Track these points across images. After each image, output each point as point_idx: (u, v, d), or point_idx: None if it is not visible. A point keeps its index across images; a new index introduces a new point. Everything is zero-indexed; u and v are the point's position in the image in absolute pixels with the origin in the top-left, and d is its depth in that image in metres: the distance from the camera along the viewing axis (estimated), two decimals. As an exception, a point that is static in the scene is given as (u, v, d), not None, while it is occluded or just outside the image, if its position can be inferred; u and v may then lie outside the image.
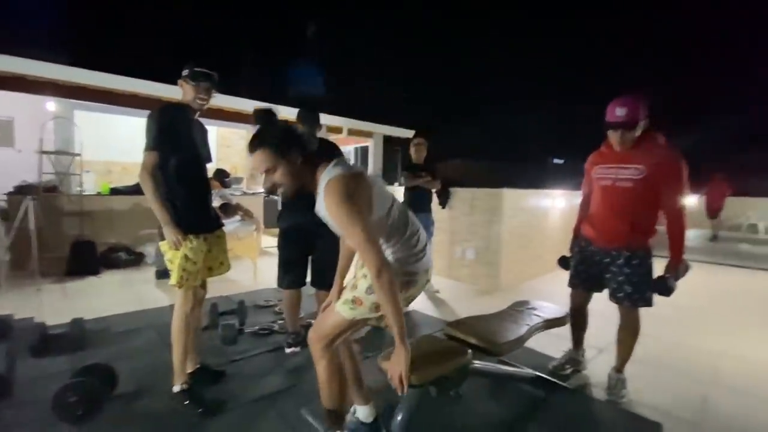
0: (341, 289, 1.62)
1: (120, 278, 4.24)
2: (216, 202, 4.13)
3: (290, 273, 2.45)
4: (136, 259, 4.77)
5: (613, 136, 1.93)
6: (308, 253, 2.44)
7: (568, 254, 2.30)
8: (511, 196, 4.20)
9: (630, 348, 2.04)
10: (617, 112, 1.86)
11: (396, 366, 1.23)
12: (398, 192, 4.37)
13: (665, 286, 1.89)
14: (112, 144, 7.27)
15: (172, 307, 3.14)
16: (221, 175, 4.21)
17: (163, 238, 1.80)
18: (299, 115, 2.52)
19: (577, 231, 2.24)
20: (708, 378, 2.27)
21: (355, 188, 1.24)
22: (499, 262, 4.11)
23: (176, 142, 1.77)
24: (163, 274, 4.09)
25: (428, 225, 4.01)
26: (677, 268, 1.89)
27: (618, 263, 1.97)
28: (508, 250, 4.17)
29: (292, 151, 1.32)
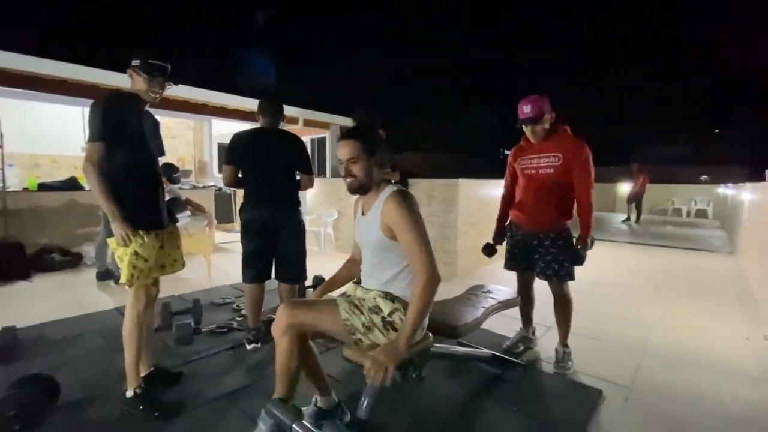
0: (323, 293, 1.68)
1: (55, 282, 3.90)
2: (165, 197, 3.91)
3: (253, 267, 2.40)
4: (72, 261, 4.40)
5: (527, 130, 2.19)
6: (272, 246, 2.40)
7: (491, 242, 2.48)
8: (466, 186, 4.35)
9: (568, 321, 2.25)
10: (524, 109, 2.12)
11: (386, 358, 1.27)
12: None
13: (578, 257, 2.15)
14: (39, 135, 6.57)
15: (118, 309, 2.98)
16: (169, 170, 3.96)
17: (111, 235, 1.69)
18: (259, 106, 2.44)
19: (503, 219, 2.45)
20: (640, 347, 2.53)
21: (416, 204, 1.45)
22: (456, 250, 4.26)
23: (124, 134, 1.66)
24: (104, 275, 3.81)
25: (387, 216, 4.05)
26: (586, 241, 2.13)
27: (545, 244, 2.19)
28: (464, 238, 4.33)
29: (377, 154, 1.48)
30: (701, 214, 11.72)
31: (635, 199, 9.64)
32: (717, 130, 23.71)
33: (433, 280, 1.34)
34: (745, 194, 5.50)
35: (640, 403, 1.90)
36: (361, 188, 1.49)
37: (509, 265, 2.38)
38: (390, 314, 1.42)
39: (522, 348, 2.41)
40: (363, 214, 1.58)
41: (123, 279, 1.70)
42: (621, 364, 2.28)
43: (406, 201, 1.41)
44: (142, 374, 1.85)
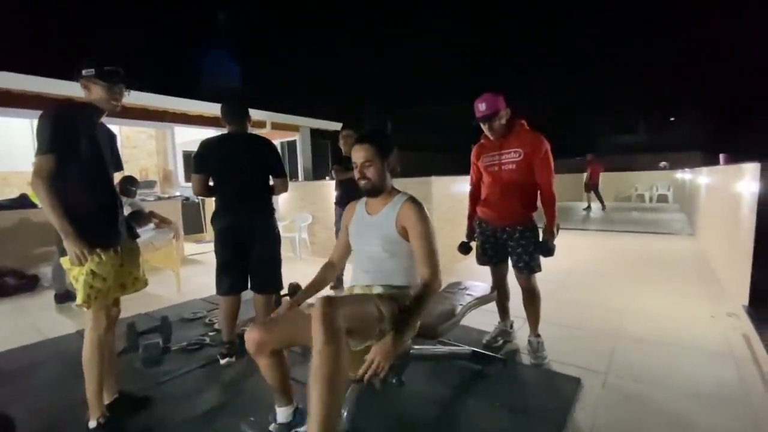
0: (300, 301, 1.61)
1: (10, 307, 3.63)
2: (125, 211, 3.71)
3: (228, 277, 2.31)
4: (28, 284, 4.11)
5: (485, 128, 2.22)
6: (246, 255, 2.32)
7: (465, 240, 2.50)
8: (439, 183, 4.37)
9: (538, 311, 2.30)
10: (480, 107, 2.16)
11: (381, 355, 1.29)
12: (329, 186, 4.31)
13: (547, 248, 2.18)
14: (-17, 151, 6.14)
15: (79, 333, 2.80)
16: (128, 183, 3.77)
17: (64, 254, 1.57)
18: (222, 111, 2.33)
19: (473, 216, 2.47)
20: (613, 332, 2.60)
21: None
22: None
23: (78, 145, 1.55)
24: (64, 297, 3.58)
25: (362, 217, 4.01)
26: (552, 232, 2.17)
27: (515, 238, 2.23)
28: (438, 234, 4.31)
29: (390, 158, 1.59)
30: (662, 199, 12.30)
31: (592, 187, 10.14)
32: (672, 119, 24.97)
33: (436, 287, 1.47)
34: (702, 178, 5.80)
35: (617, 387, 1.94)
36: (374, 190, 1.59)
37: (482, 261, 2.40)
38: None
39: (501, 342, 2.43)
40: (369, 214, 1.66)
41: (79, 300, 1.59)
42: (596, 351, 2.33)
43: (423, 210, 1.56)
44: (106, 402, 1.73)
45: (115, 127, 6.94)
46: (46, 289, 4.07)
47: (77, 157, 1.56)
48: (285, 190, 2.45)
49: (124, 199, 3.84)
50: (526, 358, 2.26)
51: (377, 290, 1.56)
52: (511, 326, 2.52)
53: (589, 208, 10.35)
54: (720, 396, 1.84)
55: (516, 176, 2.18)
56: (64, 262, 1.60)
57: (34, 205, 4.60)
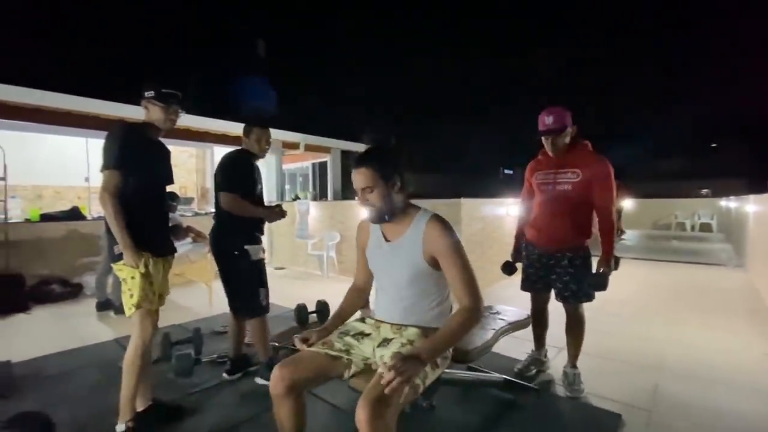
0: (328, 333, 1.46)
1: (54, 313, 3.83)
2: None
3: (227, 298, 2.40)
4: (72, 292, 4.34)
5: (546, 143, 2.10)
6: (223, 276, 2.34)
7: (510, 260, 2.39)
8: (468, 205, 4.33)
9: (580, 342, 2.16)
10: (546, 120, 2.04)
11: (410, 367, 1.11)
12: (357, 206, 4.37)
13: (601, 281, 2.01)
14: (42, 167, 6.64)
15: (117, 341, 2.90)
16: (169, 198, 3.96)
17: (116, 260, 1.69)
18: (245, 129, 2.37)
19: (520, 237, 2.36)
20: (656, 365, 2.43)
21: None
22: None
23: (138, 162, 1.70)
24: (104, 305, 3.75)
25: (390, 237, 4.02)
26: (609, 262, 2.01)
27: (562, 264, 2.10)
28: (469, 257, 4.27)
29: (394, 176, 1.36)
30: (705, 227, 11.63)
31: (617, 213, 9.83)
32: (714, 144, 23.90)
33: (479, 312, 1.30)
34: (749, 206, 5.46)
35: (662, 426, 1.80)
36: (381, 217, 1.39)
37: (525, 286, 2.29)
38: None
39: (534, 371, 2.31)
40: (386, 240, 1.46)
41: (134, 301, 1.67)
42: (638, 385, 2.18)
43: (449, 227, 1.37)
44: (140, 409, 1.78)
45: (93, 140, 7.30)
46: (88, 297, 4.28)
47: (139, 173, 1.70)
48: (226, 205, 2.13)
49: (165, 214, 4.04)
50: (561, 390, 2.14)
51: (410, 332, 1.39)
52: (545, 355, 2.40)
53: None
54: (782, 443, 1.67)
55: (570, 197, 2.03)
56: (117, 267, 1.70)
57: (83, 218, 4.90)
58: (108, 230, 1.67)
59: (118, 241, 1.64)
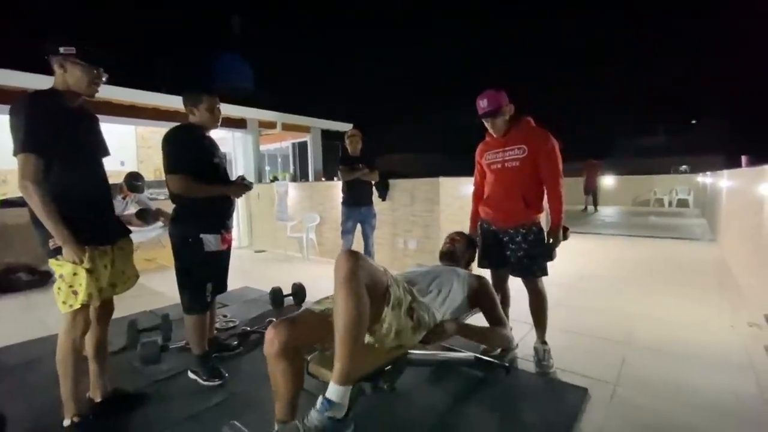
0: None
1: (20, 303, 3.70)
2: (132, 209, 3.74)
3: None
4: (40, 280, 4.19)
5: (487, 125, 2.15)
6: None
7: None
8: (447, 184, 4.28)
9: (544, 317, 2.21)
10: (481, 104, 2.08)
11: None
12: (338, 187, 4.29)
13: (548, 251, 2.09)
14: (4, 150, 6.31)
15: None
16: (133, 179, 3.80)
17: (51, 255, 1.52)
18: (190, 100, 2.08)
19: (476, 216, 2.40)
20: (625, 340, 2.48)
21: None
22: (439, 250, 4.18)
23: (58, 139, 1.45)
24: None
25: (370, 218, 3.97)
26: (557, 234, 2.07)
27: (516, 240, 2.13)
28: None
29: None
30: (682, 203, 11.89)
31: (590, 190, 10.67)
32: (694, 121, 24.27)
33: (506, 343, 1.93)
34: (723, 182, 5.56)
35: (626, 400, 1.83)
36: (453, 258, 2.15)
37: (482, 263, 2.32)
38: (413, 302, 1.46)
39: (498, 349, 2.32)
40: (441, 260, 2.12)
41: (80, 299, 1.52)
42: (606, 360, 2.22)
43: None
44: (98, 399, 1.72)
45: (130, 127, 7.03)
46: (57, 285, 4.14)
47: (61, 150, 1.45)
48: (173, 187, 1.97)
49: (131, 196, 3.88)
50: (531, 366, 2.16)
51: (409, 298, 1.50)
52: (510, 331, 2.41)
53: (586, 209, 10.82)
54: (738, 411, 1.72)
55: (520, 174, 2.09)
56: (54, 264, 1.53)
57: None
58: (37, 223, 1.47)
59: (53, 234, 1.45)
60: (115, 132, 6.23)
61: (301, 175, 8.72)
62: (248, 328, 2.61)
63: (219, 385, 2.00)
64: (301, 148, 8.47)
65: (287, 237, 5.50)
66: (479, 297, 1.86)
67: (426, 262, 4.30)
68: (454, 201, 4.43)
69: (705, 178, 10.05)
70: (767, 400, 1.79)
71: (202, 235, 2.00)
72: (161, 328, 2.58)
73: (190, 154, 1.98)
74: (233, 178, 2.30)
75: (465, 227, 4.85)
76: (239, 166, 6.82)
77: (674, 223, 8.49)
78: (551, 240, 2.07)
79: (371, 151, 4.07)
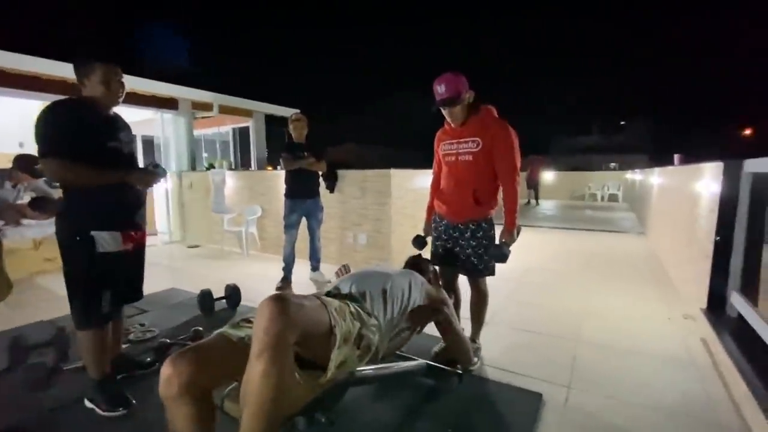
0: None
1: None
2: (26, 198, 3.14)
3: None
4: None
5: (445, 113, 1.97)
6: None
7: (422, 233, 2.30)
8: (399, 176, 4.10)
9: (482, 315, 2.14)
10: (439, 89, 1.88)
11: None
12: (281, 176, 3.93)
13: (500, 253, 1.91)
14: None
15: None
16: (24, 162, 3.16)
17: None
18: (80, 69, 1.67)
19: (431, 209, 2.26)
20: (573, 337, 2.46)
21: None
22: (391, 245, 4.01)
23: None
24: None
25: (316, 211, 3.68)
26: (511, 234, 1.93)
27: (465, 236, 2.02)
28: (398, 230, 4.09)
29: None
30: (613, 198, 12.84)
31: (533, 185, 11.41)
32: (623, 122, 26.42)
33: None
34: (654, 178, 5.95)
35: (581, 403, 1.77)
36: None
37: (433, 260, 2.16)
38: (362, 328, 1.20)
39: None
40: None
41: None
42: (558, 359, 2.16)
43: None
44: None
45: (20, 100, 6.05)
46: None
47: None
48: (46, 173, 1.71)
49: (26, 182, 3.26)
50: (487, 370, 2.05)
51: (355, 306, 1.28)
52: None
53: (529, 203, 11.47)
54: (686, 410, 1.71)
55: (472, 168, 1.95)
56: None
57: None
58: None
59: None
60: (15, 108, 5.31)
61: (242, 163, 8.12)
62: (168, 340, 2.24)
63: (123, 415, 1.65)
64: (243, 135, 7.86)
65: (224, 231, 5.03)
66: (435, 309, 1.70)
67: (376, 258, 4.11)
68: (406, 194, 4.27)
69: (634, 175, 10.87)
70: (711, 397, 1.81)
71: (93, 233, 1.62)
72: (56, 344, 2.13)
73: (69, 134, 1.56)
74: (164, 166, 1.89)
75: (418, 220, 4.70)
76: (170, 152, 6.14)
77: (607, 216, 9.08)
78: (504, 241, 1.92)
79: (318, 138, 3.76)
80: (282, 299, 0.94)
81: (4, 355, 2.04)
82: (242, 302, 2.99)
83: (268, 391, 0.89)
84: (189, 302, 3.06)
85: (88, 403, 1.70)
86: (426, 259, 1.99)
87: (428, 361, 1.92)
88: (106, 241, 1.64)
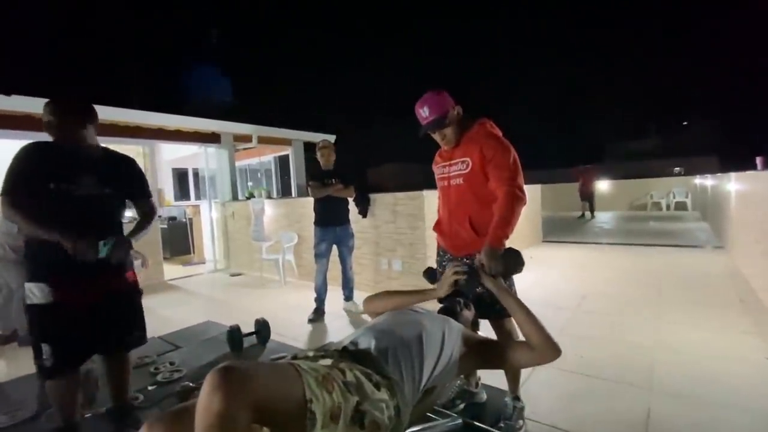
0: None
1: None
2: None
3: None
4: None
5: (436, 138, 1.77)
6: None
7: (435, 266, 1.94)
8: (432, 198, 3.88)
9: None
10: (423, 113, 1.69)
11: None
12: (310, 205, 3.88)
13: (473, 280, 1.44)
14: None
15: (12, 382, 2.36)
16: None
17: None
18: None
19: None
20: (645, 383, 2.05)
21: None
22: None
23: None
24: (8, 338, 3.15)
25: (347, 239, 3.55)
26: (493, 253, 1.48)
27: None
28: (435, 256, 3.83)
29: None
30: (680, 206, 11.61)
31: (586, 197, 10.57)
32: (685, 123, 24.25)
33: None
34: (731, 184, 5.21)
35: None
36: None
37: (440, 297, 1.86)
38: (362, 402, 0.93)
39: (461, 405, 1.87)
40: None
41: None
42: (627, 416, 1.79)
43: None
44: None
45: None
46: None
47: None
48: (2, 213, 1.64)
49: None
50: (534, 427, 1.73)
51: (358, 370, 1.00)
52: (477, 385, 1.95)
53: (583, 216, 10.68)
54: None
55: (465, 193, 1.69)
56: None
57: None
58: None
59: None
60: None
61: (283, 190, 8.30)
62: (191, 384, 2.15)
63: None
64: (284, 163, 8.06)
65: (262, 259, 5.05)
66: (473, 351, 1.31)
67: (412, 286, 3.89)
68: (441, 216, 4.03)
69: (704, 180, 9.76)
70: None
71: (26, 283, 1.57)
72: (83, 388, 2.11)
73: (22, 176, 1.53)
74: (207, 196, 1.87)
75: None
76: (216, 183, 6.41)
77: (675, 227, 8.15)
78: (478, 265, 1.48)
79: (346, 163, 3.67)
80: (229, 369, 0.75)
81: (33, 402, 2.05)
82: (272, 336, 2.89)
83: None
84: (221, 337, 2.99)
85: None
86: (458, 300, 1.60)
87: (464, 418, 1.65)
88: (34, 293, 1.55)
